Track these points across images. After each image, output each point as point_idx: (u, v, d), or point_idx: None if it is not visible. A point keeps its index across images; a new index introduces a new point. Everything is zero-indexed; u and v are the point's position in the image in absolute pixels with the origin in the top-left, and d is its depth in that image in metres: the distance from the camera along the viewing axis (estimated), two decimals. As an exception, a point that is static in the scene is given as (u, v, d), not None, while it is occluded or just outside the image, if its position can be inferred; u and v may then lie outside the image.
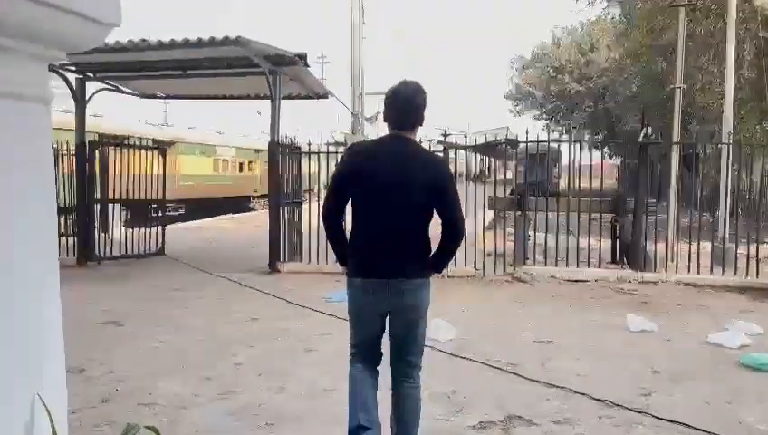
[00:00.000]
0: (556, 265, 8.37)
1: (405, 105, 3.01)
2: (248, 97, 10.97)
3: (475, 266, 8.58)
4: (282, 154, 9.10)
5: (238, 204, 27.57)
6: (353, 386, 3.08)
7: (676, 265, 8.25)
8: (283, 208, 9.20)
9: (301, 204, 9.92)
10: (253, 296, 7.59)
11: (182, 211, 25.31)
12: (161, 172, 11.41)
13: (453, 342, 5.54)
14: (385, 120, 3.06)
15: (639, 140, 8.08)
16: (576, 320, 6.35)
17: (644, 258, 8.25)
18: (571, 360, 5.08)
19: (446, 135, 8.37)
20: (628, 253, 10.54)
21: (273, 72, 8.86)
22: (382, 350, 3.14)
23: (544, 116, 47.06)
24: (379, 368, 3.15)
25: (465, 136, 8.78)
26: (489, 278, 8.34)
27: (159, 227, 11.27)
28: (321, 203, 3.21)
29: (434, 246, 3.05)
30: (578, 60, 41.69)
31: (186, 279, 8.66)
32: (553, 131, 41.20)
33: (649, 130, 7.95)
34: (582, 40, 42.43)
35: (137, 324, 6.15)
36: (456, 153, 8.76)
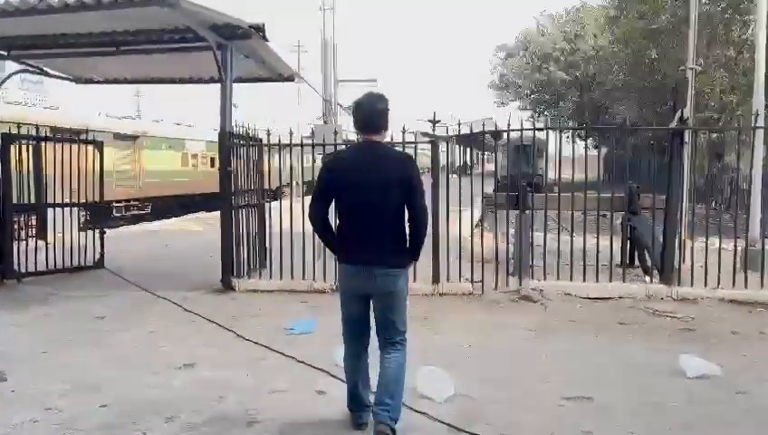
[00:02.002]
0: (570, 279, 6.86)
1: (370, 113, 3.41)
2: (199, 81, 9.31)
3: (471, 280, 7.06)
4: (236, 146, 7.48)
5: (210, 201, 25.84)
6: (345, 363, 3.63)
7: (715, 277, 6.76)
8: (239, 212, 7.59)
9: (263, 206, 8.33)
10: (194, 328, 5.99)
11: (149, 210, 23.56)
12: (99, 170, 9.59)
13: (453, 402, 4.01)
14: (355, 128, 3.49)
15: (674, 124, 6.60)
16: (612, 360, 4.85)
17: (671, 268, 6.78)
18: (623, 431, 3.59)
19: (434, 122, 6.82)
20: (644, 257, 9.15)
21: (223, 48, 7.23)
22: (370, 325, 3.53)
23: (529, 106, 45.75)
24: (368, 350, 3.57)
25: (447, 128, 7.23)
26: (490, 297, 6.81)
27: (98, 233, 9.50)
28: (307, 205, 3.61)
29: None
30: (563, 47, 40.43)
31: (118, 302, 7.03)
32: (538, 122, 39.88)
33: (685, 112, 6.46)
34: (568, 27, 41.16)
35: (25, 378, 4.53)
36: (448, 146, 7.22)
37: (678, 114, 6.54)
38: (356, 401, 3.61)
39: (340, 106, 19.69)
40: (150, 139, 23.95)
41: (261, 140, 8.22)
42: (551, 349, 5.14)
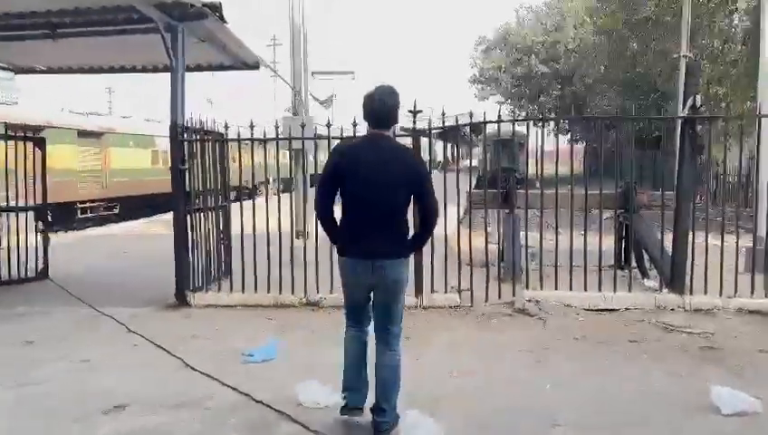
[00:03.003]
0: (570, 288, 6.09)
1: (380, 107, 3.43)
2: (153, 70, 8.36)
3: (459, 289, 6.26)
4: (191, 142, 6.59)
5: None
6: (346, 348, 3.67)
7: (728, 283, 6.02)
8: (196, 217, 6.71)
9: (227, 208, 7.45)
10: (136, 354, 5.12)
11: (116, 211, 22.46)
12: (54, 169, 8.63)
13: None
14: (365, 120, 3.51)
15: (684, 112, 5.86)
16: (628, 390, 4.08)
17: (683, 275, 6.04)
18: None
19: (415, 113, 6.00)
20: (642, 259, 8.45)
21: (172, 29, 6.33)
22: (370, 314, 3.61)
23: (510, 101, 45.12)
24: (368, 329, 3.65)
25: (429, 120, 6.41)
26: (480, 310, 6.01)
27: (41, 240, 8.54)
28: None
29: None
30: (544, 40, 39.80)
31: (54, 322, 6.11)
32: (519, 116, 39.08)
33: (698, 100, 5.72)
34: (548, 19, 40.55)
35: None
36: (430, 140, 6.41)
37: (690, 101, 5.79)
38: (354, 382, 3.62)
39: (315, 99, 18.83)
40: (117, 136, 22.80)
41: (222, 135, 7.34)
42: (554, 376, 4.36)
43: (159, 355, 5.04)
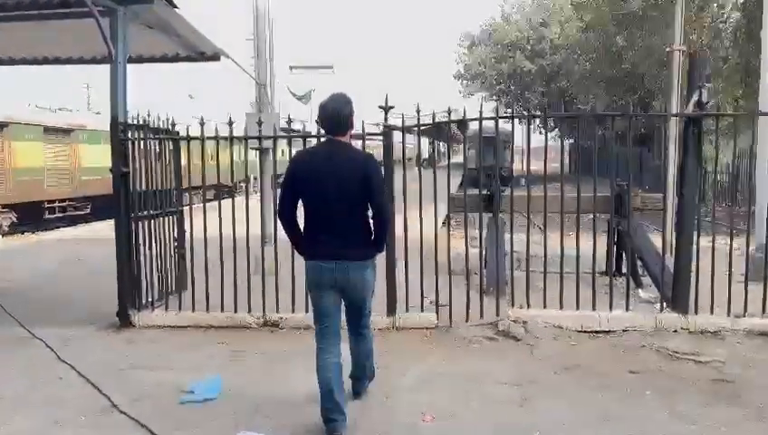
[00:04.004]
0: (560, 306, 5.40)
1: (334, 115, 3.56)
2: (102, 61, 7.53)
3: (437, 305, 5.56)
4: (137, 141, 5.83)
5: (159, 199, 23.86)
6: (320, 374, 3.55)
7: (733, 299, 5.35)
8: (142, 224, 5.96)
9: (181, 213, 6.70)
10: (59, 389, 4.37)
11: (88, 210, 21.55)
12: None
13: None
14: (321, 127, 3.79)
15: (690, 109, 5.20)
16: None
17: (686, 292, 5.39)
18: None
19: (386, 109, 5.30)
20: (636, 269, 7.83)
21: (112, 13, 5.57)
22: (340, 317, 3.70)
23: (495, 97, 44.56)
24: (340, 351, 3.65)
25: (403, 116, 5.70)
26: (460, 333, 5.31)
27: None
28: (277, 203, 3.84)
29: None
30: (529, 36, 39.26)
31: (-25, 346, 5.35)
32: (504, 113, 38.48)
33: (704, 94, 5.06)
34: (534, 15, 40.02)
35: None
36: (403, 137, 5.70)
37: (695, 97, 5.14)
38: (332, 405, 3.49)
39: (293, 94, 18.02)
40: (88, 132, 21.84)
41: (178, 133, 6.60)
42: (545, 421, 3.69)
43: (85, 392, 4.30)
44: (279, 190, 3.72)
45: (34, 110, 21.56)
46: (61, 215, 20.42)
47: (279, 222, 3.69)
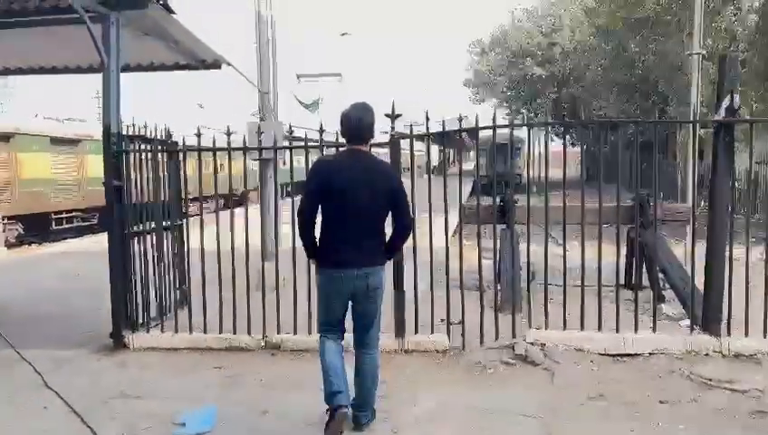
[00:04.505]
0: (581, 326, 5.02)
1: (357, 124, 3.62)
2: (87, 70, 7.23)
3: (448, 324, 5.20)
4: (126, 152, 5.54)
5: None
6: (325, 358, 3.66)
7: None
8: (138, 240, 5.66)
9: (181, 227, 6.40)
10: (41, 420, 4.07)
11: (95, 221, 21.36)
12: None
13: None
14: (342, 137, 3.73)
15: (720, 115, 4.83)
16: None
17: (718, 311, 5.00)
18: None
19: (393, 117, 4.97)
20: (657, 282, 7.42)
21: (104, 20, 5.29)
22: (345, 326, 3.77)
23: (505, 104, 44.22)
24: (342, 342, 3.77)
25: (411, 125, 5.35)
26: (474, 357, 4.94)
27: None
28: (297, 209, 3.70)
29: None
30: (540, 42, 38.89)
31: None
32: (516, 120, 37.79)
33: (736, 99, 4.69)
34: (544, 21, 39.65)
35: None
36: (412, 147, 5.36)
37: (726, 102, 4.77)
38: (334, 393, 3.58)
39: (301, 102, 17.75)
40: (96, 143, 21.58)
41: (177, 144, 6.30)
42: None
43: (70, 425, 3.99)
44: (302, 194, 3.67)
45: (41, 120, 21.44)
46: (68, 226, 20.25)
47: (296, 220, 3.69)
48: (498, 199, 7.25)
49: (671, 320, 6.39)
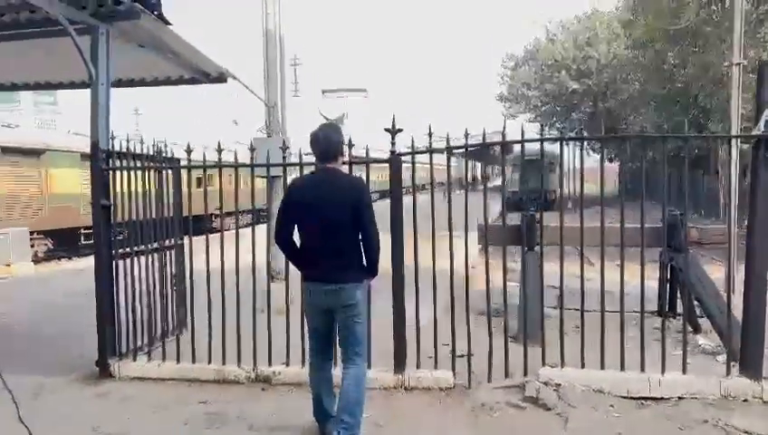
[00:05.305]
0: (601, 365, 4.49)
1: (325, 143, 3.75)
2: (81, 85, 7.00)
3: (453, 362, 4.73)
4: (114, 169, 5.28)
5: (196, 223, 23.61)
6: (311, 385, 3.91)
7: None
8: (130, 261, 5.37)
9: (181, 247, 6.12)
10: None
11: (121, 237, 21.44)
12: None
13: None
14: (314, 155, 3.81)
15: (759, 129, 4.28)
16: None
17: (760, 350, 4.42)
18: None
19: (393, 132, 4.58)
20: (693, 311, 6.82)
21: (93, 31, 5.05)
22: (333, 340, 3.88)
23: (539, 118, 43.42)
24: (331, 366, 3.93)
25: (413, 139, 4.91)
26: (479, 397, 4.44)
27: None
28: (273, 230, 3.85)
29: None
30: (575, 55, 38.12)
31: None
32: (549, 134, 37.06)
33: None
34: (579, 35, 38.88)
35: None
36: (414, 165, 4.94)
37: (766, 115, 4.24)
38: (321, 412, 3.87)
39: (326, 118, 17.57)
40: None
41: (178, 161, 6.03)
42: None
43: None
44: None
45: (71, 136, 21.71)
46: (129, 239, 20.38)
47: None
48: (521, 218, 6.80)
49: (707, 354, 5.80)
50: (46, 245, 18.49)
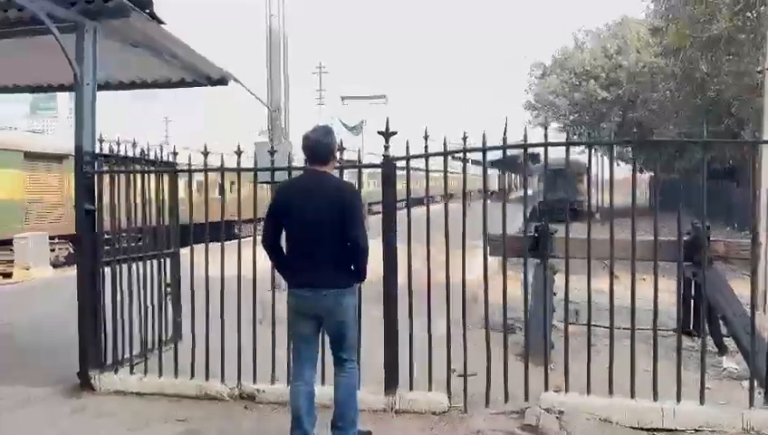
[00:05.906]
0: (609, 390, 4.10)
1: (315, 146, 3.68)
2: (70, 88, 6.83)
3: (448, 385, 4.36)
4: (100, 173, 5.09)
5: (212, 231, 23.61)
6: (291, 403, 3.72)
7: None
8: (116, 269, 5.16)
9: (177, 255, 5.92)
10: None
11: (140, 244, 21.53)
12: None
13: None
14: (305, 157, 3.75)
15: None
16: None
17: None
18: None
19: (387, 135, 4.28)
20: (718, 329, 6.38)
21: (79, 29, 4.87)
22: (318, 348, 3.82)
23: (567, 127, 42.71)
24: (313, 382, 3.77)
25: (407, 143, 4.57)
26: (475, 424, 4.08)
27: None
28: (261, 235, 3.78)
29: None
30: (604, 64, 37.43)
31: None
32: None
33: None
34: (609, 43, 38.19)
35: None
36: (408, 172, 4.60)
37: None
38: (299, 428, 3.65)
39: (344, 125, 17.36)
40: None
41: (174, 165, 5.83)
42: None
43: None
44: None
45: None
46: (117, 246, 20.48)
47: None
48: (533, 229, 6.43)
49: (732, 378, 5.36)
50: (68, 249, 18.62)
